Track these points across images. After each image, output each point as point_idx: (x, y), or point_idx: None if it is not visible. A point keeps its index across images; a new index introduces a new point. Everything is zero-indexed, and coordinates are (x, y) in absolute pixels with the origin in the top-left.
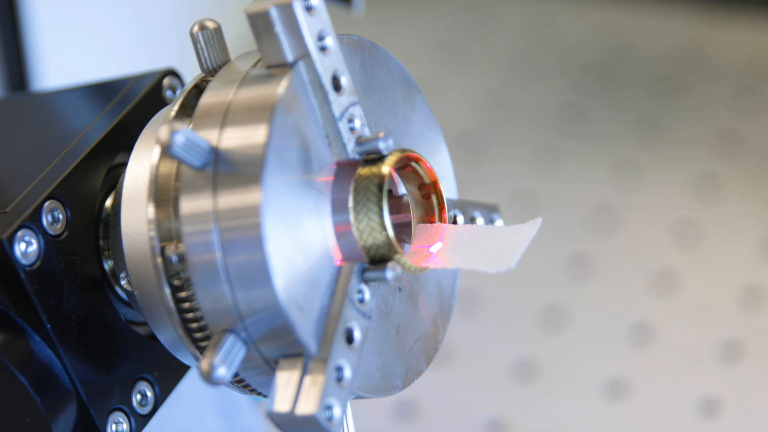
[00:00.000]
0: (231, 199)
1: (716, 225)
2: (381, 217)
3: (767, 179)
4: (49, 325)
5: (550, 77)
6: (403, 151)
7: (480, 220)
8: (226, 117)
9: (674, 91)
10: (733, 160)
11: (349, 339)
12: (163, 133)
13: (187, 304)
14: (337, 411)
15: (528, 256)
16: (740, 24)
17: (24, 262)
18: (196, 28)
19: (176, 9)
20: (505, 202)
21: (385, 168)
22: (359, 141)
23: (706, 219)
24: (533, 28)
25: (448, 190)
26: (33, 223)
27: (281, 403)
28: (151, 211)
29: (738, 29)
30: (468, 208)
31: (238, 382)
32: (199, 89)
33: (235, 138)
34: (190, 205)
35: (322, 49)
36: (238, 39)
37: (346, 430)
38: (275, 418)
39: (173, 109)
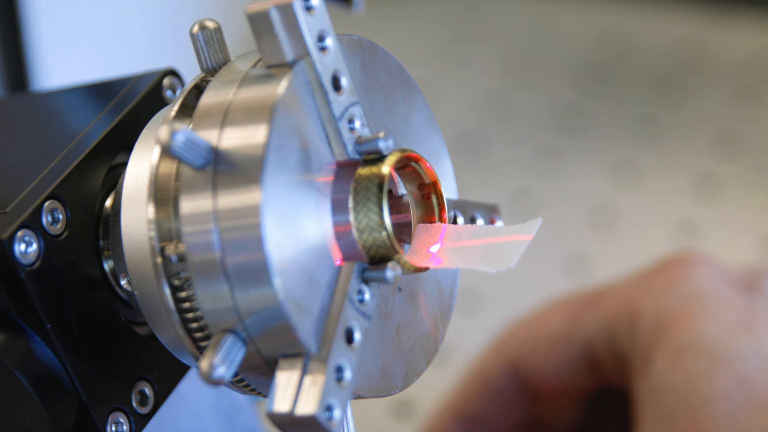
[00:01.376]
0: (231, 199)
1: (716, 225)
2: (381, 216)
3: (767, 179)
4: (49, 325)
5: (550, 77)
6: (403, 151)
7: (480, 221)
8: (226, 117)
9: (674, 91)
10: (733, 160)
11: (349, 339)
12: (163, 133)
13: (187, 304)
14: (337, 411)
15: (528, 256)
16: (740, 24)
17: (24, 262)
18: (195, 28)
19: (176, 9)
20: (505, 202)
21: (385, 168)
22: (359, 141)
23: (706, 219)
24: (533, 28)
25: (448, 190)
26: (33, 223)
27: (281, 403)
28: (151, 211)
29: (738, 29)
30: (468, 209)
31: (238, 381)
32: (199, 89)
33: (235, 138)
34: (190, 205)
35: (322, 49)
36: (239, 39)
37: (346, 430)
38: (275, 418)
39: (173, 109)
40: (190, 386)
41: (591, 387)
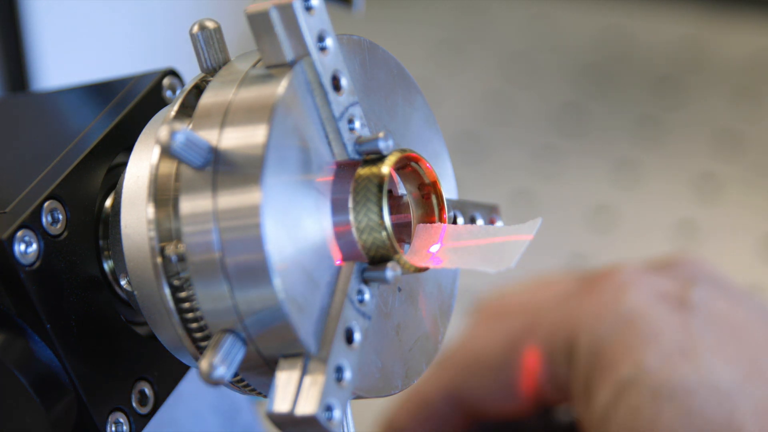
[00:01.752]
0: (231, 199)
1: (716, 225)
2: (381, 216)
3: (767, 179)
4: (48, 325)
5: (550, 77)
6: (403, 151)
7: (480, 221)
8: (225, 117)
9: (674, 91)
10: (733, 160)
11: (349, 339)
12: (163, 133)
13: (186, 304)
14: (337, 411)
15: (528, 256)
16: (740, 24)
17: (24, 262)
18: (195, 28)
19: (176, 9)
20: (505, 202)
21: (385, 168)
22: (359, 141)
23: (705, 219)
24: (533, 28)
25: (448, 190)
26: (33, 223)
27: (281, 403)
28: (150, 211)
29: (738, 29)
30: (468, 209)
31: (238, 382)
32: (199, 89)
33: (235, 138)
34: (189, 205)
35: (322, 49)
36: (238, 39)
37: (346, 430)
38: (275, 419)
39: (173, 109)
40: (190, 386)
41: (532, 411)
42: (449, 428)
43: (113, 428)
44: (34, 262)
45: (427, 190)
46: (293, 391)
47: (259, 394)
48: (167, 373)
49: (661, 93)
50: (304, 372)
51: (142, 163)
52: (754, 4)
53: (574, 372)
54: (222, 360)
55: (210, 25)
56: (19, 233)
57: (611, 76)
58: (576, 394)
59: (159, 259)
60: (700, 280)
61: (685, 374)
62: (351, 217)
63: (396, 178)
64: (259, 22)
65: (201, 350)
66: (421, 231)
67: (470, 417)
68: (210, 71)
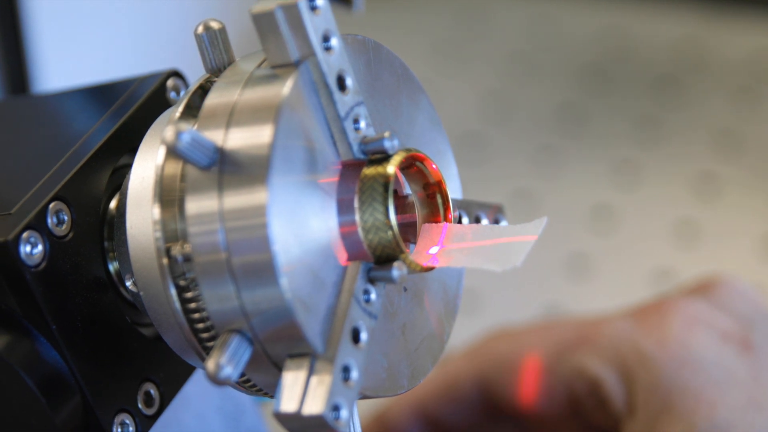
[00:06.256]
0: (237, 200)
1: (716, 225)
2: (386, 216)
3: (767, 179)
4: (54, 326)
5: (550, 77)
6: (408, 150)
7: (485, 221)
8: (231, 117)
9: (674, 90)
10: (733, 159)
11: (356, 339)
12: (169, 133)
13: (192, 305)
14: (344, 411)
15: (528, 256)
16: (740, 23)
17: (29, 263)
18: (200, 28)
19: (180, 10)
20: (506, 201)
21: (391, 168)
22: (364, 141)
23: (706, 219)
24: (533, 28)
25: (453, 190)
26: (38, 224)
27: (288, 403)
28: (156, 211)
29: (738, 29)
30: (473, 209)
31: (245, 382)
32: (203, 90)
33: (240, 138)
34: (195, 205)
35: (327, 48)
36: (243, 40)
37: (352, 430)
38: (282, 419)
39: (178, 110)
40: (195, 388)
41: (566, 419)
42: (475, 414)
43: (119, 429)
44: (39, 264)
45: (433, 190)
46: (300, 390)
47: (266, 394)
48: (173, 375)
49: (661, 93)
50: (311, 372)
51: (147, 164)
52: (754, 4)
53: (632, 406)
54: (229, 360)
55: (214, 25)
56: (25, 234)
57: (611, 76)
58: (630, 427)
59: (165, 260)
60: (753, 315)
61: (757, 426)
62: (357, 216)
63: (401, 178)
64: (264, 22)
65: (207, 351)
66: (426, 231)
67: (498, 410)
68: (215, 72)
